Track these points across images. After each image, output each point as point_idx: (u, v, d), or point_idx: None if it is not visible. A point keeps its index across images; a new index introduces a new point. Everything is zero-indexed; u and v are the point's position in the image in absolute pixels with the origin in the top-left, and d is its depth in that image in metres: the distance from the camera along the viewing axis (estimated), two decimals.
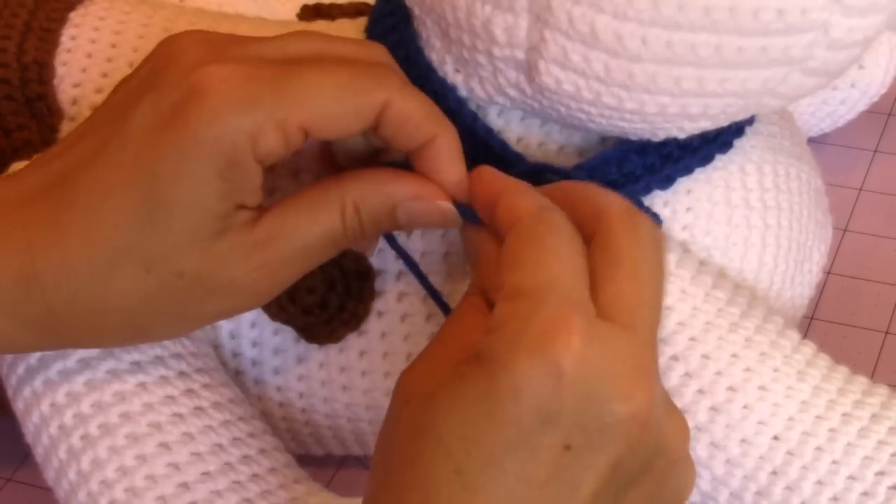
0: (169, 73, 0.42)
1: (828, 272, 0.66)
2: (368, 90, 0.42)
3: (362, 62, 0.43)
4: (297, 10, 0.59)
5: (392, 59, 0.45)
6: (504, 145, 0.49)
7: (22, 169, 0.45)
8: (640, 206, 0.48)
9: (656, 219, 0.50)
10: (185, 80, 0.41)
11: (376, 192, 0.44)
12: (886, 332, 0.63)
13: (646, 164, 0.49)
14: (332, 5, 0.57)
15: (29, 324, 0.43)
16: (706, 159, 0.51)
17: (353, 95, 0.42)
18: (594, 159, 0.49)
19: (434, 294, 0.46)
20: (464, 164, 0.45)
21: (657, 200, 0.51)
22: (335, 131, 0.43)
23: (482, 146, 0.49)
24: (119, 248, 0.42)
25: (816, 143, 0.72)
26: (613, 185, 0.49)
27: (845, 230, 0.68)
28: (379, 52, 0.45)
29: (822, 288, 0.64)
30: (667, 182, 0.50)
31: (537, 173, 0.47)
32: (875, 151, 0.73)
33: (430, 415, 0.38)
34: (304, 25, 0.56)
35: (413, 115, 0.43)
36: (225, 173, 0.41)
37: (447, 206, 0.44)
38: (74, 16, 0.56)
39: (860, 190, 0.71)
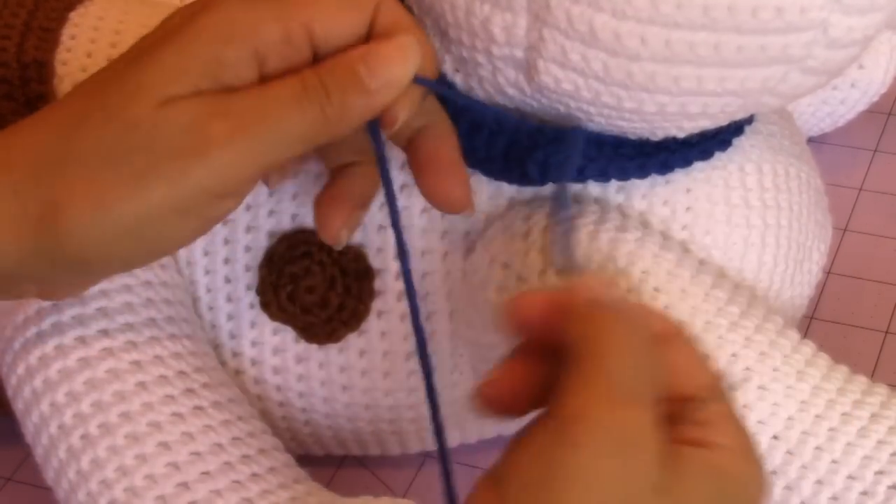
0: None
1: (828, 272, 0.66)
2: None
3: None
4: None
5: None
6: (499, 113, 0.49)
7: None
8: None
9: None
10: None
11: (338, 59, 0.43)
12: (886, 332, 0.63)
13: (642, 151, 0.49)
14: None
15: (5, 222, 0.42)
16: (705, 153, 0.50)
17: None
18: (588, 132, 0.48)
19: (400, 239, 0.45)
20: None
21: (656, 199, 0.51)
22: (336, 28, 0.43)
23: (474, 129, 0.49)
24: (105, 80, 0.43)
25: (816, 143, 0.72)
26: (608, 154, 0.49)
27: (845, 230, 0.68)
28: None
29: (822, 288, 0.64)
30: (663, 167, 0.49)
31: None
32: (875, 151, 0.73)
33: None
34: None
35: (402, 16, 0.44)
36: (219, 53, 0.42)
37: (404, 38, 0.43)
38: (74, 15, 0.56)
39: (860, 190, 0.71)
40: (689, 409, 0.38)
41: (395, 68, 0.43)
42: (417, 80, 0.43)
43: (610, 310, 0.38)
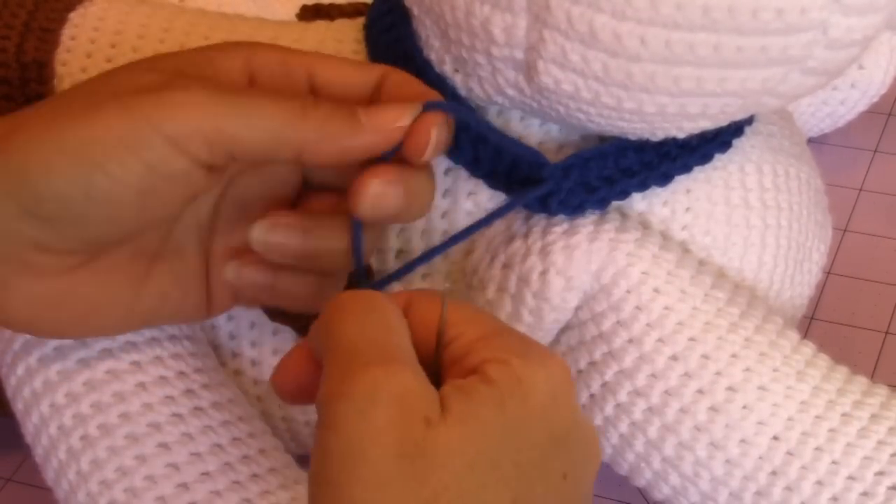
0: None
1: (828, 272, 0.66)
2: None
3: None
4: (296, 10, 0.59)
5: None
6: (502, 138, 0.49)
7: None
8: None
9: None
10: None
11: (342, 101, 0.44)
12: (886, 332, 0.63)
13: (643, 160, 0.49)
14: (331, 5, 0.57)
15: None
16: (705, 158, 0.50)
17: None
18: (590, 151, 0.49)
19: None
20: None
21: (656, 200, 0.51)
22: (337, 78, 0.45)
23: (480, 141, 0.49)
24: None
25: (816, 143, 0.72)
26: (609, 180, 0.49)
27: (845, 230, 0.68)
28: None
29: (822, 288, 0.64)
30: (664, 179, 0.50)
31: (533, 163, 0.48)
32: (875, 151, 0.73)
33: None
34: (303, 26, 0.56)
35: (411, 85, 0.45)
36: (212, 54, 0.44)
37: (409, 105, 0.44)
38: (74, 16, 0.56)
39: (860, 190, 0.71)
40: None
41: (391, 116, 0.43)
42: (428, 105, 0.43)
43: (340, 300, 0.39)
